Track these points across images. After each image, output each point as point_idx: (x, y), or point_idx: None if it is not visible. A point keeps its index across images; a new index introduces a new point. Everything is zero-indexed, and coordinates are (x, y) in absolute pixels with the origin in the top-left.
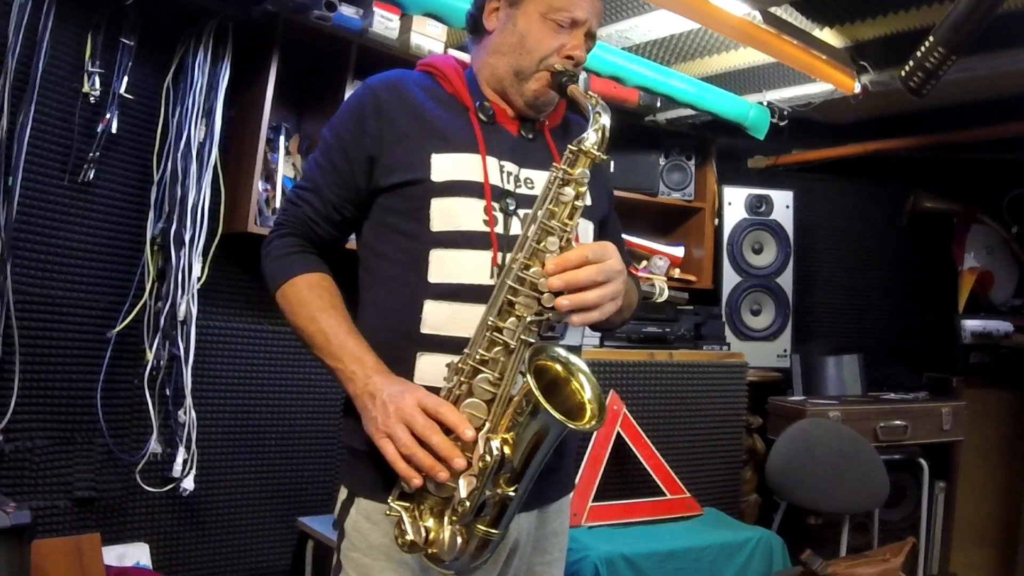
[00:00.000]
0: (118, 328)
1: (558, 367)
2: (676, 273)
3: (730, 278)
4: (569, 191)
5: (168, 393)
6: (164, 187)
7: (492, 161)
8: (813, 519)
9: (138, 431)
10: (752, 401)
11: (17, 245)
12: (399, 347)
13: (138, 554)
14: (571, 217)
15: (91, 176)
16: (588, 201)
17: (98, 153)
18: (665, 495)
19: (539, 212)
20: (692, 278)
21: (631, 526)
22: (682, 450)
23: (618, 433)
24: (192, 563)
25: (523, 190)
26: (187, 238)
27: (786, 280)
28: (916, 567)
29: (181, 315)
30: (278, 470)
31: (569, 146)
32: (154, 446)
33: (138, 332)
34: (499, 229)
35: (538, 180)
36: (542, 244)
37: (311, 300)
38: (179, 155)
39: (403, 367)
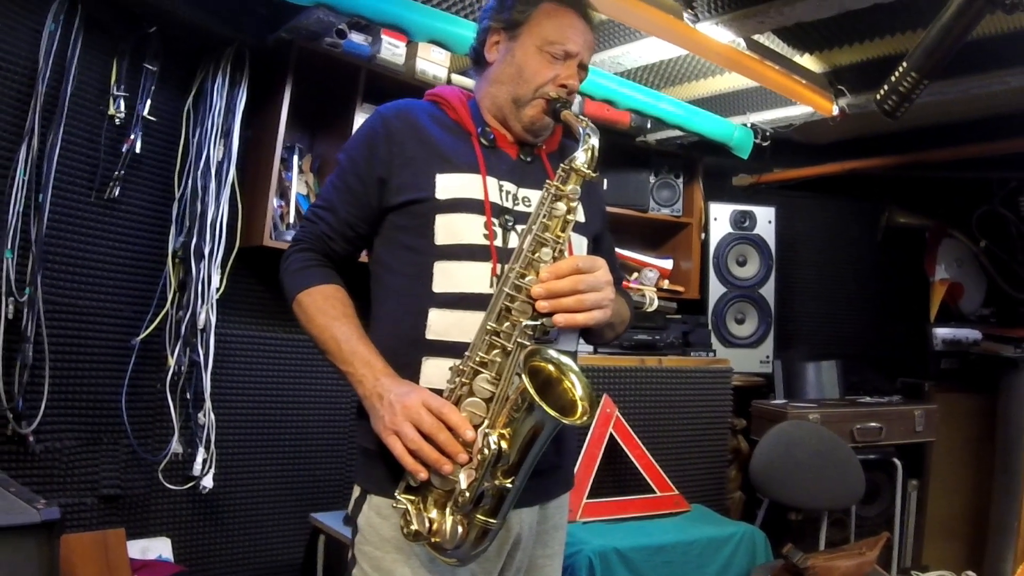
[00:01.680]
0: (142, 336)
1: (551, 368)
2: (665, 284)
3: (716, 289)
4: (561, 206)
5: (188, 397)
6: (185, 203)
7: (492, 181)
8: (794, 515)
9: (160, 432)
10: (736, 404)
11: (47, 258)
12: (406, 352)
13: (160, 548)
14: (563, 230)
15: (116, 193)
16: (581, 217)
17: (123, 172)
18: (655, 492)
19: (534, 225)
20: (680, 289)
21: (623, 522)
22: (671, 450)
23: (611, 434)
24: (211, 556)
25: (520, 208)
26: (206, 251)
27: (768, 291)
28: (890, 560)
29: (201, 324)
30: (292, 469)
31: (561, 164)
32: (175, 446)
33: (160, 339)
34: (498, 243)
35: (535, 199)
36: (537, 255)
37: (325, 309)
38: (199, 173)
39: (410, 371)
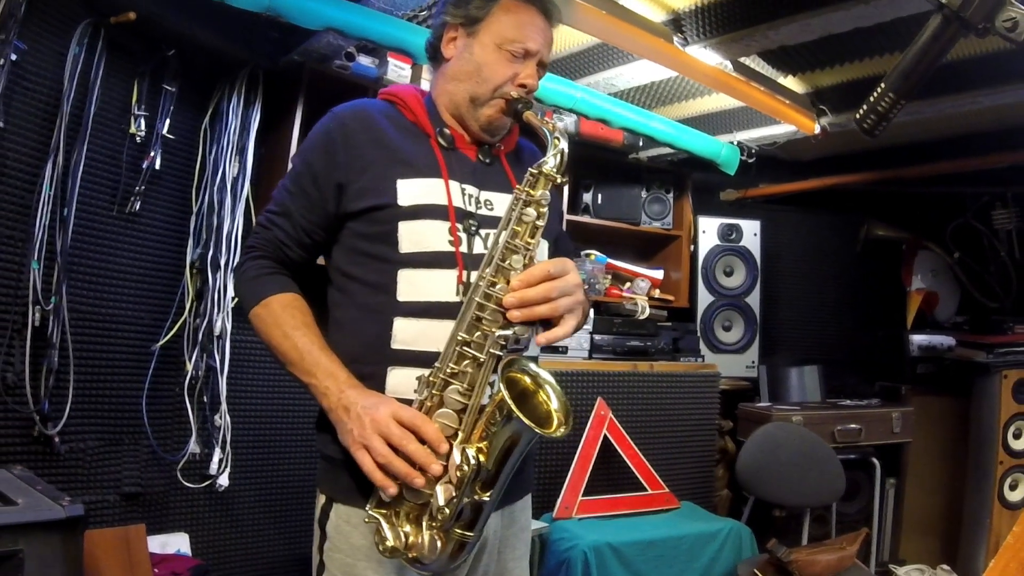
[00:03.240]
0: (161, 342)
1: (527, 379)
2: (656, 293)
3: (704, 298)
4: (531, 212)
5: (205, 400)
6: (202, 217)
7: (454, 185)
8: (778, 512)
9: (179, 434)
10: (724, 407)
11: (72, 269)
12: (370, 362)
13: (179, 543)
14: (532, 236)
15: (137, 207)
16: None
17: (143, 187)
18: (647, 490)
19: (503, 232)
20: (670, 298)
21: (616, 518)
22: (662, 450)
23: (605, 435)
24: (227, 550)
25: (484, 211)
26: (222, 262)
27: (754, 299)
28: (869, 554)
29: (217, 331)
30: (302, 468)
31: (530, 169)
32: (193, 447)
33: (179, 346)
34: (463, 249)
35: (497, 202)
36: (507, 262)
37: (284, 319)
38: (215, 189)
39: (375, 381)
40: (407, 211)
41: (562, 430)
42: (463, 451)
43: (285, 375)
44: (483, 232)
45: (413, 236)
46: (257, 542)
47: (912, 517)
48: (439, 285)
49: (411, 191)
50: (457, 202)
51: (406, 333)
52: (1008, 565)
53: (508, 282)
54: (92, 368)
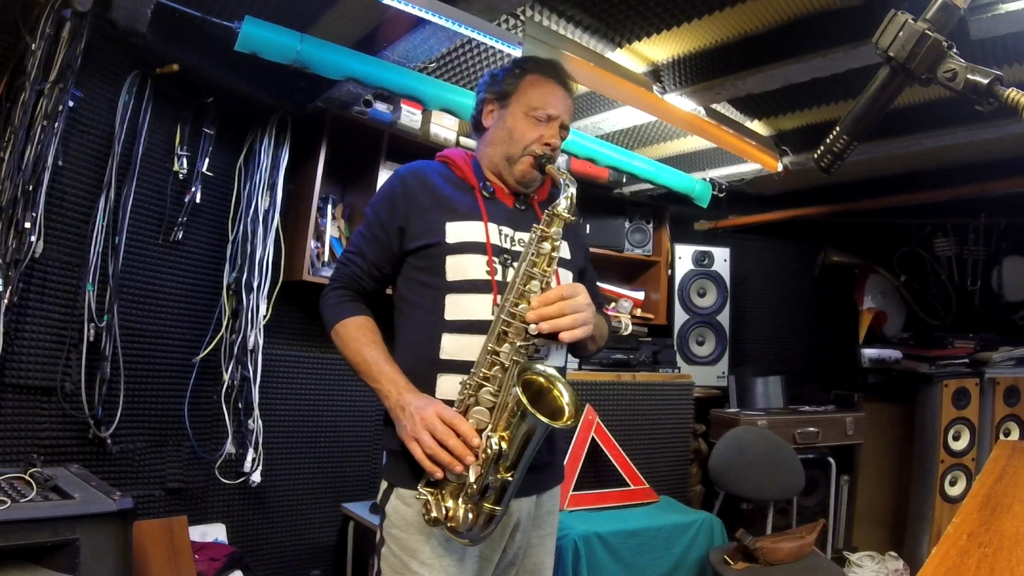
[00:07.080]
0: (201, 355)
1: (541, 380)
2: (638, 312)
3: (680, 316)
4: (547, 245)
5: (240, 406)
6: (237, 245)
7: (492, 226)
8: (745, 505)
9: (217, 436)
10: (697, 412)
11: (122, 290)
12: (424, 370)
13: (217, 532)
14: (548, 265)
15: (180, 236)
16: (567, 254)
17: (185, 218)
18: (629, 486)
19: (524, 263)
20: (650, 316)
21: (603, 510)
22: (642, 450)
23: (592, 437)
24: (259, 539)
25: (517, 248)
26: (255, 285)
27: (724, 318)
28: (826, 542)
29: (250, 345)
30: (326, 466)
31: (546, 211)
32: (229, 448)
33: (217, 358)
34: (498, 277)
35: None
36: (527, 287)
37: (358, 337)
38: (249, 220)
39: (428, 386)
40: (452, 247)
41: (571, 422)
42: (488, 438)
43: (312, 384)
44: (515, 265)
45: (457, 267)
46: (286, 532)
47: (864, 510)
48: (478, 306)
49: (456, 231)
50: (494, 240)
51: (452, 346)
52: (948, 552)
53: (528, 303)
54: (140, 378)
